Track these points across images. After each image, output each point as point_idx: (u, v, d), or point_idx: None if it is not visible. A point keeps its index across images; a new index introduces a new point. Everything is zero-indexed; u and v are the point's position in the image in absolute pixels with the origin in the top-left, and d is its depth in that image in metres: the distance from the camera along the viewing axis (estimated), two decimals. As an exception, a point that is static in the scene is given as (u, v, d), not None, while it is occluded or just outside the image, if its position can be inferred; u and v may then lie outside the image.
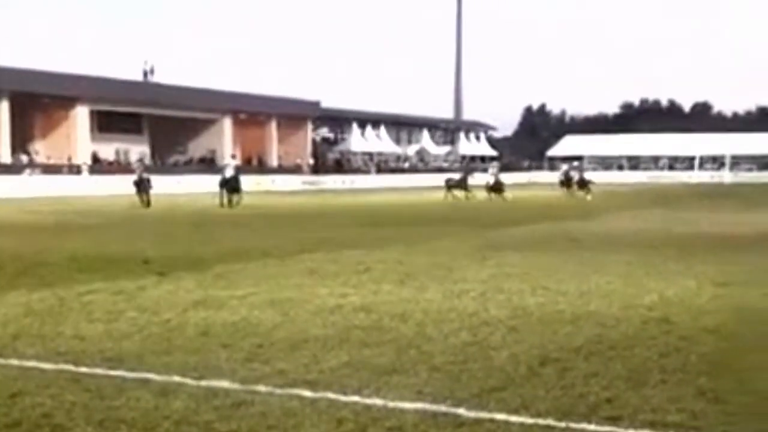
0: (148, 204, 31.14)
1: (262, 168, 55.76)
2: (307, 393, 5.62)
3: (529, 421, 5.08)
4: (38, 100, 46.51)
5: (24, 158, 44.31)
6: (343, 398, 5.51)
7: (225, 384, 5.83)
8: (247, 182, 47.25)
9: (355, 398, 5.51)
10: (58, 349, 6.88)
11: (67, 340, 7.24)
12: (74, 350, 6.85)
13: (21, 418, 5.09)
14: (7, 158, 43.76)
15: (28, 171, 42.46)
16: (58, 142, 47.53)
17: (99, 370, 6.21)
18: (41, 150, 46.98)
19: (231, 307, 8.91)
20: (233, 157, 33.98)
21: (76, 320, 8.17)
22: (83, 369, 6.25)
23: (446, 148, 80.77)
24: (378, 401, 5.46)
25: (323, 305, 9.03)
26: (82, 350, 6.85)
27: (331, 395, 5.56)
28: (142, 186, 32.07)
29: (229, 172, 30.84)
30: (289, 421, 5.06)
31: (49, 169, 43.62)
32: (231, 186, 30.53)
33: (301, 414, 5.18)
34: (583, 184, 41.05)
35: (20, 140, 45.20)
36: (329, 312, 8.64)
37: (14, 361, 6.49)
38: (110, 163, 50.33)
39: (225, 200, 30.11)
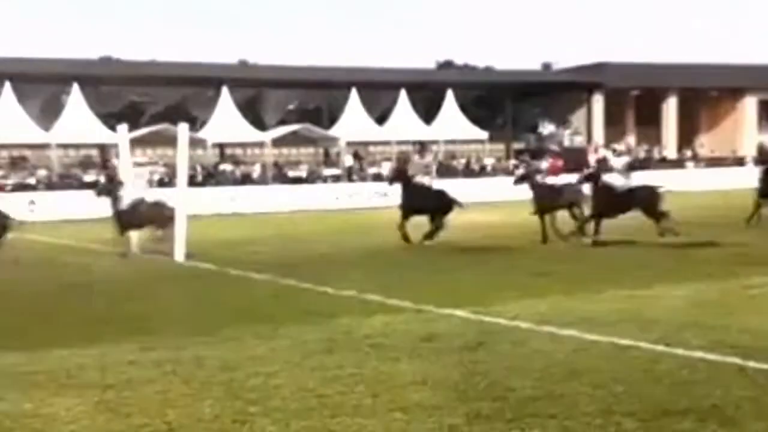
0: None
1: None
2: None
3: None
4: (705, 93, 46.94)
5: (687, 152, 44.96)
6: None
7: None
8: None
9: None
10: (725, 342, 6.85)
11: (733, 334, 7.17)
12: (741, 344, 6.75)
13: (690, 406, 5.20)
14: (672, 153, 44.98)
15: (691, 164, 42.96)
16: (723, 135, 47.23)
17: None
18: (705, 143, 47.14)
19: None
20: None
21: (742, 313, 8.06)
22: (751, 363, 6.12)
23: None
24: None
25: None
26: (749, 344, 6.72)
27: None
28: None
29: None
30: None
31: (712, 163, 43.56)
32: None
33: None
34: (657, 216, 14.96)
35: (686, 135, 46.13)
36: None
37: (680, 351, 6.64)
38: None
39: None
